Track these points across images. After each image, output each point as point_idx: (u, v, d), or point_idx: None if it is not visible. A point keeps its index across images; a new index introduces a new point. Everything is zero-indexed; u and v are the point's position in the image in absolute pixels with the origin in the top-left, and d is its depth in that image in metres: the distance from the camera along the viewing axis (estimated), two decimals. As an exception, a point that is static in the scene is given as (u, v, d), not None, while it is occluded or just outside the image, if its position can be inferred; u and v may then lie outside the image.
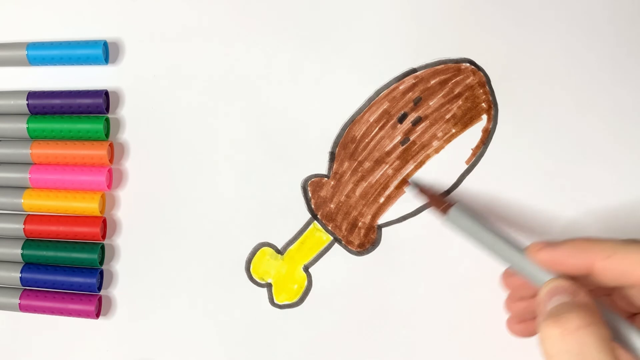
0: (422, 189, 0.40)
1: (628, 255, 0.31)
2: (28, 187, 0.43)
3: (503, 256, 0.35)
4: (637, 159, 0.40)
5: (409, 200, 0.41)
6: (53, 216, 0.43)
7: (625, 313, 0.34)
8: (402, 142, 0.41)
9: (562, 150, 0.40)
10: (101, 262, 0.43)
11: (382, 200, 0.41)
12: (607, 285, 0.32)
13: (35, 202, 0.42)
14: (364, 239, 0.41)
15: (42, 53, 0.42)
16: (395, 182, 0.41)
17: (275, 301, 0.42)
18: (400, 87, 0.41)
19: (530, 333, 0.38)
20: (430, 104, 0.41)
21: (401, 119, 0.41)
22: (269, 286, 0.42)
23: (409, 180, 0.40)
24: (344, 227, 0.41)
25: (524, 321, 0.38)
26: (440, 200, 0.39)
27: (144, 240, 0.43)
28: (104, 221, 0.43)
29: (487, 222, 0.36)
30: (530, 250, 0.34)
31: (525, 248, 0.34)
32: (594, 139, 0.40)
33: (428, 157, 0.41)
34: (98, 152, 0.42)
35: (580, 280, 0.32)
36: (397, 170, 0.41)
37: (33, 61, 0.43)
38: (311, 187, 0.41)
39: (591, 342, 0.28)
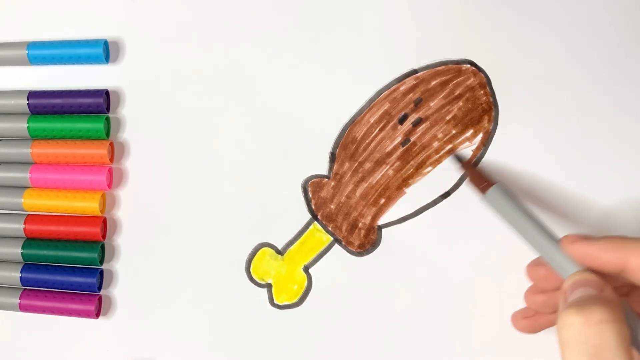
0: (464, 164, 0.39)
1: None
2: (28, 187, 0.43)
3: (535, 243, 0.35)
4: (638, 160, 0.40)
5: (409, 201, 0.41)
6: (53, 216, 0.43)
7: None
8: (402, 143, 0.41)
9: (562, 151, 0.40)
10: (101, 262, 0.43)
11: (382, 201, 0.41)
12: (638, 284, 0.32)
13: (36, 202, 0.42)
14: (364, 240, 0.41)
15: (42, 52, 0.42)
16: (396, 183, 0.41)
17: (275, 302, 0.42)
18: (401, 88, 0.41)
19: (533, 329, 0.38)
20: (431, 105, 0.41)
21: (402, 120, 0.41)
22: (269, 286, 0.42)
23: (454, 153, 0.40)
24: (344, 228, 0.41)
25: (531, 316, 0.38)
26: (481, 177, 0.38)
27: (144, 240, 0.43)
28: (104, 221, 0.43)
29: (524, 207, 0.36)
30: (564, 241, 0.34)
31: (560, 239, 0.34)
32: (595, 140, 0.40)
33: (428, 158, 0.41)
34: (98, 151, 0.42)
35: (606, 278, 0.32)
36: (398, 171, 0.41)
37: (33, 60, 0.43)
38: (311, 188, 0.41)
39: (611, 338, 0.28)
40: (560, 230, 0.38)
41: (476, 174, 0.38)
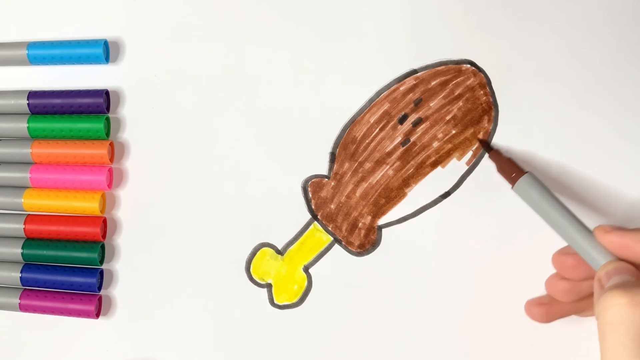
0: (493, 153, 0.39)
1: None
2: (28, 187, 0.43)
3: (565, 233, 0.35)
4: (638, 159, 0.40)
5: (409, 201, 0.41)
6: (53, 216, 0.43)
7: None
8: (402, 143, 0.41)
9: (562, 151, 0.40)
10: (101, 261, 0.43)
11: (382, 201, 0.41)
12: None
13: (36, 202, 0.42)
14: (364, 240, 0.41)
15: (42, 52, 0.42)
16: (396, 183, 0.41)
17: (275, 302, 0.42)
18: (401, 88, 0.41)
19: (547, 318, 0.38)
20: (431, 105, 0.41)
21: (402, 120, 0.41)
22: (269, 286, 0.42)
23: (480, 138, 0.40)
24: (344, 228, 0.41)
25: (546, 304, 0.38)
26: (511, 167, 0.38)
27: (144, 240, 0.43)
28: (104, 221, 0.43)
29: (555, 197, 0.36)
30: (598, 230, 0.34)
31: (593, 229, 0.34)
32: (594, 140, 0.40)
33: (428, 158, 0.41)
34: (98, 151, 0.42)
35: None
36: (398, 171, 0.41)
37: (33, 60, 0.43)
38: (311, 188, 0.41)
39: None
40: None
41: (506, 163, 0.38)
